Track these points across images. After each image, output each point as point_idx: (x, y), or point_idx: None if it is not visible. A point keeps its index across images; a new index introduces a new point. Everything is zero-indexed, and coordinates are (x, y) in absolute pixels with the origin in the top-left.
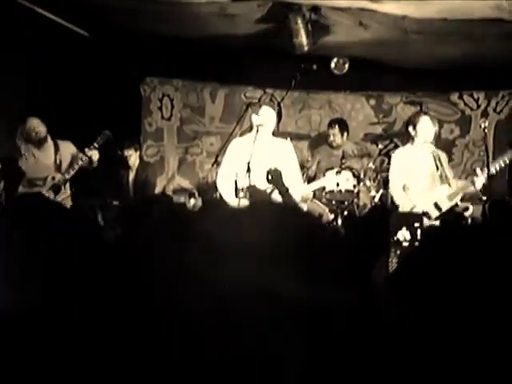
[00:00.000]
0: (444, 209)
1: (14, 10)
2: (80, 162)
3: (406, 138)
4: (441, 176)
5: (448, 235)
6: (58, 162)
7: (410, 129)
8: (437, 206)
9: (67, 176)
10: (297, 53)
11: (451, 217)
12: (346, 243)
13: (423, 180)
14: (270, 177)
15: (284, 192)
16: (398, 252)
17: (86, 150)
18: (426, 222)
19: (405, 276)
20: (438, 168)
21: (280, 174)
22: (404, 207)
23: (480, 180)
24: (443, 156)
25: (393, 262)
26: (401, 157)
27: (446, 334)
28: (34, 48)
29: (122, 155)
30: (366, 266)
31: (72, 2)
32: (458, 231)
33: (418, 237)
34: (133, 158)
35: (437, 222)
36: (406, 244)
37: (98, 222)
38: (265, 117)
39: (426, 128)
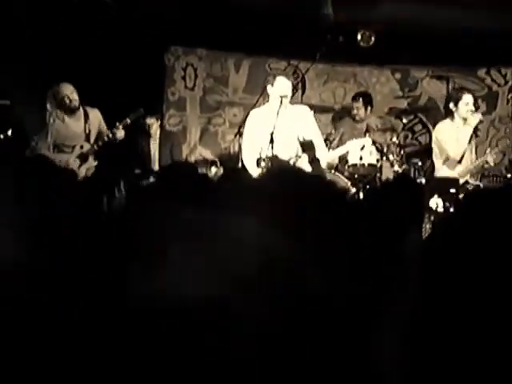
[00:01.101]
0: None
1: None
2: (106, 138)
3: (445, 113)
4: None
5: (487, 203)
6: (87, 131)
7: (451, 105)
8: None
9: (95, 147)
10: (323, 25)
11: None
12: (372, 214)
13: (456, 155)
14: (303, 147)
15: (315, 162)
16: (432, 218)
17: (117, 125)
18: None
19: (439, 244)
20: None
21: (312, 143)
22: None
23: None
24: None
25: (427, 229)
26: (443, 130)
27: (477, 309)
28: (58, 17)
29: (144, 124)
30: (395, 237)
31: None
32: (498, 199)
33: (454, 203)
34: (154, 127)
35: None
36: (441, 210)
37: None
38: (283, 87)
39: (468, 106)
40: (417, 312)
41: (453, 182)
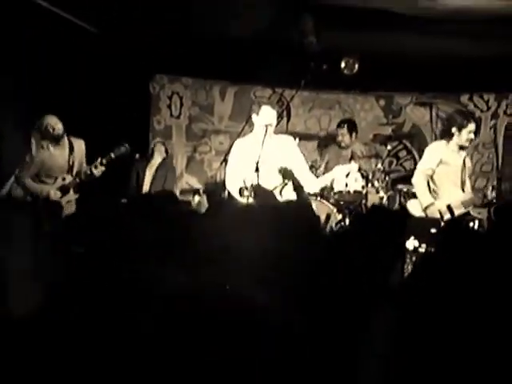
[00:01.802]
0: (456, 214)
1: (19, 5)
2: (88, 173)
3: (448, 136)
4: (462, 181)
5: (464, 242)
6: (70, 162)
7: (454, 129)
8: (449, 208)
9: (77, 181)
10: (306, 52)
11: (459, 222)
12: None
13: (448, 179)
14: (282, 175)
15: (298, 189)
16: (414, 258)
17: (99, 160)
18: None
19: (420, 282)
20: (462, 172)
21: (291, 171)
22: (423, 201)
23: (491, 193)
24: (468, 162)
25: (408, 269)
26: (435, 150)
27: (459, 341)
28: (41, 44)
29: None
30: (377, 273)
31: None
32: (474, 239)
33: (434, 243)
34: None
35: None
36: (421, 250)
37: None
38: (268, 116)
39: (470, 135)
40: (396, 348)
41: (433, 221)
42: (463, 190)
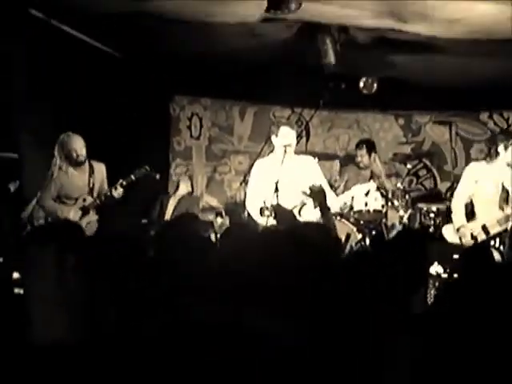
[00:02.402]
0: (492, 233)
1: (44, 31)
2: (108, 194)
3: (490, 155)
4: (501, 199)
5: (488, 270)
6: (91, 184)
7: (500, 148)
8: (484, 229)
9: (97, 202)
10: (325, 72)
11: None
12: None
13: (486, 199)
14: (311, 194)
15: (325, 209)
16: (437, 284)
17: (120, 182)
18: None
19: (443, 309)
20: (503, 190)
21: (322, 189)
22: (455, 224)
23: None
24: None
25: (431, 295)
26: (469, 171)
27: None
28: (65, 69)
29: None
30: (401, 299)
31: (102, 23)
32: (497, 266)
33: (456, 269)
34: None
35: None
36: (444, 276)
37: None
38: (287, 136)
39: None
40: (419, 375)
41: (455, 247)
42: (502, 208)
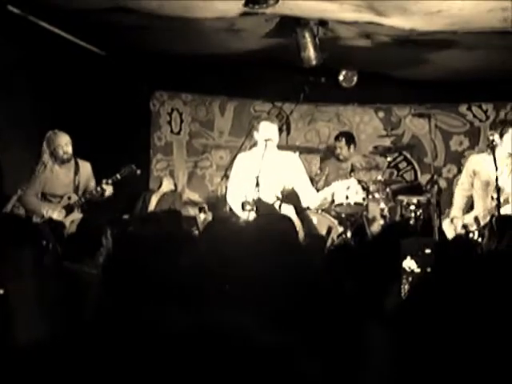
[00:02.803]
0: (482, 223)
1: (23, 28)
2: (94, 193)
3: (487, 146)
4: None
5: (461, 263)
6: (76, 182)
7: (496, 137)
8: (476, 219)
9: (82, 200)
10: (305, 66)
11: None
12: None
13: (484, 190)
14: (283, 196)
15: (299, 209)
16: (410, 279)
17: (106, 181)
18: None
19: (415, 304)
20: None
21: (295, 193)
22: (451, 213)
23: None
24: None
25: (405, 289)
26: (468, 163)
27: (458, 363)
28: (45, 66)
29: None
30: (376, 294)
31: (82, 19)
32: (471, 259)
33: (430, 264)
34: (165, 186)
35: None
36: (418, 271)
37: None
38: (267, 131)
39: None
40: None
41: (428, 241)
42: (492, 198)
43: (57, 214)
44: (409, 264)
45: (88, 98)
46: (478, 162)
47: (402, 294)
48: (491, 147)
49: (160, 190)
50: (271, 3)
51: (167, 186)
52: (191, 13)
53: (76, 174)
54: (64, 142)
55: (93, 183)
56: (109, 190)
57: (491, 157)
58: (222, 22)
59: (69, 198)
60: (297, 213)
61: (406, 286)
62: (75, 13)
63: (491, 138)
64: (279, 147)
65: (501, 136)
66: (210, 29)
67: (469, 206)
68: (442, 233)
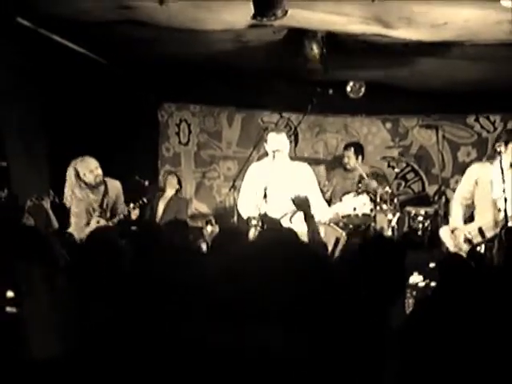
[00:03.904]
0: (488, 236)
1: (32, 39)
2: (122, 216)
3: (492, 155)
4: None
5: (465, 278)
6: (104, 205)
7: (502, 147)
8: (481, 231)
9: (110, 223)
10: (313, 78)
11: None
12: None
13: (487, 201)
14: (295, 203)
15: (309, 219)
16: (415, 293)
17: (131, 205)
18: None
19: (421, 319)
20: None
21: (306, 200)
22: (450, 226)
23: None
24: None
25: (409, 303)
26: (470, 172)
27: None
28: (54, 77)
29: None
30: (379, 309)
31: (92, 31)
32: (475, 274)
33: (434, 278)
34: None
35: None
36: (422, 285)
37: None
38: (275, 142)
39: None
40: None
41: (432, 256)
42: (499, 210)
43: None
44: (415, 279)
45: (96, 110)
46: (480, 172)
47: (407, 309)
48: (496, 156)
49: (165, 194)
50: (279, 16)
51: (172, 187)
52: (199, 25)
53: (104, 197)
54: (94, 167)
55: (121, 202)
56: (135, 213)
57: (494, 166)
58: (229, 34)
59: (97, 223)
60: (305, 221)
61: (411, 300)
62: (84, 25)
63: (498, 148)
64: (293, 159)
65: (505, 145)
66: (218, 40)
67: (467, 216)
68: (443, 244)
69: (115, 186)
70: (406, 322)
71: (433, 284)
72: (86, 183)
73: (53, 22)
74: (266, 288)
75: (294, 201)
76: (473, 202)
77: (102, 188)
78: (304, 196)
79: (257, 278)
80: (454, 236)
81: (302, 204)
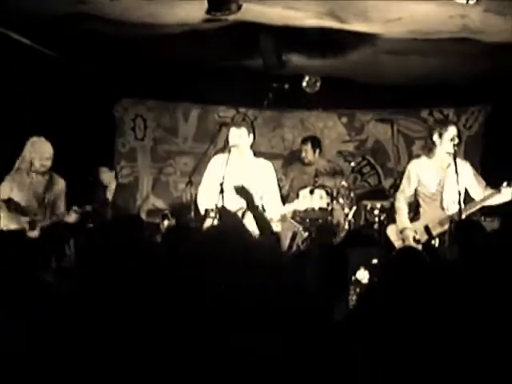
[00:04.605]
0: (434, 233)
1: None
2: (60, 217)
3: (427, 149)
4: (441, 198)
5: (405, 274)
6: (46, 200)
7: (435, 137)
8: (427, 229)
9: (47, 222)
10: (268, 73)
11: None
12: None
13: (430, 198)
14: (237, 191)
15: (252, 207)
16: (358, 290)
17: (73, 208)
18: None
19: (365, 314)
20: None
21: (247, 190)
22: (398, 225)
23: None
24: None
25: (352, 300)
26: (412, 170)
27: (405, 370)
28: (8, 73)
29: (95, 179)
30: (324, 304)
31: (47, 26)
32: (416, 270)
33: (376, 275)
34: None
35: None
36: (365, 282)
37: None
38: (232, 137)
39: (454, 139)
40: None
41: (376, 252)
42: (443, 208)
43: (10, 225)
44: (360, 275)
45: (51, 106)
46: (419, 168)
47: (350, 304)
48: (429, 149)
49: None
50: (233, 10)
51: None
52: (154, 19)
53: (47, 190)
54: (47, 155)
55: (62, 203)
56: (72, 218)
57: (431, 160)
58: (185, 29)
59: (35, 215)
60: (248, 208)
61: (354, 297)
62: (37, 19)
63: (433, 138)
64: (257, 155)
65: (440, 136)
66: (174, 35)
67: (413, 213)
68: (388, 241)
69: (60, 184)
70: (349, 317)
71: (375, 280)
72: (32, 165)
73: (6, 16)
74: (213, 275)
75: (236, 189)
76: (417, 200)
77: (45, 179)
78: (242, 185)
79: (204, 264)
80: (404, 236)
81: (242, 192)
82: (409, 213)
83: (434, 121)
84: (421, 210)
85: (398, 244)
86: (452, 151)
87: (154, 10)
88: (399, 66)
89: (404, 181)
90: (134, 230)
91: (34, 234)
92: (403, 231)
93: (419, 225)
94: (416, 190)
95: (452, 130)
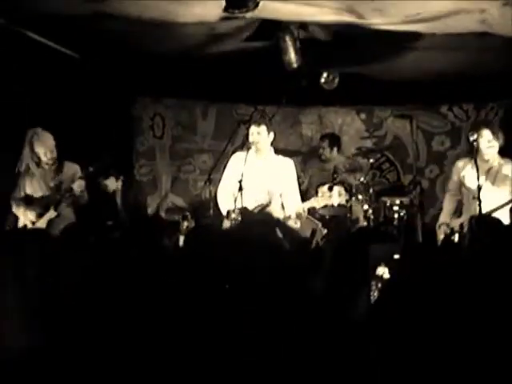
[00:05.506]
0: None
1: (3, 34)
2: (68, 190)
3: (468, 151)
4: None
5: (427, 270)
6: (57, 182)
7: (472, 139)
8: (461, 226)
9: (58, 197)
10: (286, 69)
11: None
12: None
13: (471, 196)
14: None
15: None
16: (380, 285)
17: (77, 176)
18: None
19: (387, 309)
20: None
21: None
22: (440, 220)
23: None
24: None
25: (374, 295)
26: (455, 169)
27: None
28: (27, 72)
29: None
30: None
31: (64, 25)
32: (437, 267)
33: (398, 270)
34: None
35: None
36: (386, 277)
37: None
38: (252, 135)
39: (488, 143)
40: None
41: (396, 248)
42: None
43: (29, 220)
44: (380, 270)
45: (69, 104)
46: (463, 169)
47: (372, 300)
48: (474, 150)
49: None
50: (251, 8)
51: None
52: (172, 18)
53: (57, 174)
54: (50, 148)
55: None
56: (80, 185)
57: (472, 161)
58: (202, 27)
59: (42, 198)
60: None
61: (376, 293)
62: (56, 18)
63: (473, 141)
64: (278, 153)
65: (476, 139)
66: (192, 33)
67: (459, 212)
68: (424, 234)
69: (73, 168)
70: (371, 312)
71: (397, 276)
72: (39, 159)
73: (24, 17)
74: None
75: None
76: (461, 198)
77: (54, 167)
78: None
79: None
80: (440, 232)
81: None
82: (455, 210)
83: (472, 123)
84: (464, 209)
85: (439, 238)
86: (488, 154)
87: (172, 9)
88: (418, 62)
89: (451, 180)
90: (157, 230)
91: (49, 215)
92: (440, 226)
93: (458, 221)
94: (460, 189)
95: (487, 134)
